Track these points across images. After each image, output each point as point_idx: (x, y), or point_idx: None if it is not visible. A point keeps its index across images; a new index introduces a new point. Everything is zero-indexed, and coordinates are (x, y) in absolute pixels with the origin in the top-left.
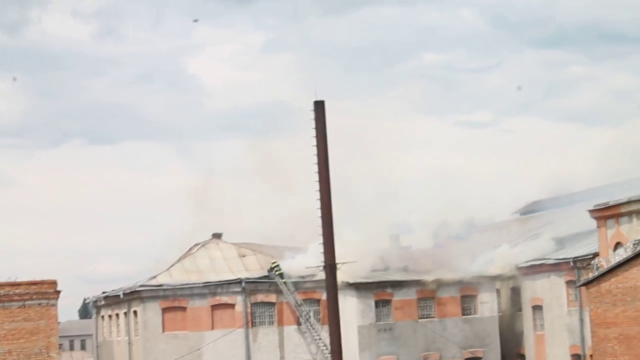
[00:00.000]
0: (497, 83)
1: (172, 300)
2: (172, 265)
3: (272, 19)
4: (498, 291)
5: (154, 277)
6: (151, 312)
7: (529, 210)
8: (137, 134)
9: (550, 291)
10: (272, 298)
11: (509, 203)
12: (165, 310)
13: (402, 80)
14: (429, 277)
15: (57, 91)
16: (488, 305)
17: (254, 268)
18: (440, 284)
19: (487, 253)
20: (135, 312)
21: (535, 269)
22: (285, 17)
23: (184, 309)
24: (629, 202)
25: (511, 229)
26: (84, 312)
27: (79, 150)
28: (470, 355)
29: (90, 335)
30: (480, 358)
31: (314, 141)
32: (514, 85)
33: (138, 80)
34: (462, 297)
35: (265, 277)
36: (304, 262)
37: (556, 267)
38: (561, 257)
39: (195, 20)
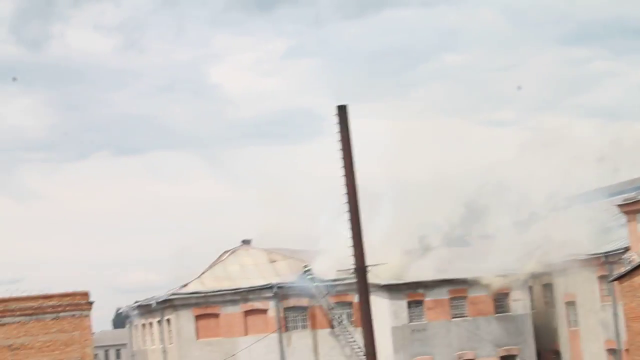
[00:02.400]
0: (520, 81)
1: (204, 307)
2: (203, 273)
3: (293, 26)
4: (530, 288)
5: (186, 285)
6: (184, 320)
7: None
8: (162, 144)
9: (583, 287)
10: (304, 302)
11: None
12: (198, 317)
13: (424, 82)
14: (460, 277)
15: (82, 105)
16: (521, 303)
17: (285, 273)
18: (472, 282)
19: (517, 250)
20: (168, 320)
21: (567, 265)
22: (306, 23)
23: (216, 315)
24: None
25: (542, 225)
26: (118, 322)
27: (105, 162)
28: (505, 353)
29: (125, 344)
30: (515, 356)
31: (338, 145)
32: (536, 84)
33: (161, 91)
34: (495, 295)
35: (296, 281)
36: (335, 265)
37: (588, 262)
38: (593, 252)
39: None
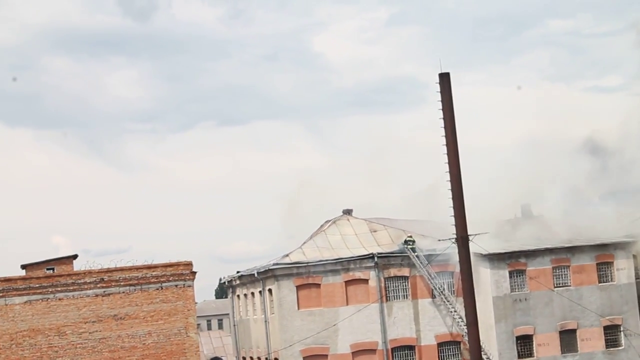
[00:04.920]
0: (626, 46)
1: (305, 277)
2: (304, 243)
3: None
4: (635, 257)
5: (287, 255)
6: (286, 290)
7: None
8: (265, 113)
9: None
10: (405, 272)
11: None
12: (299, 287)
13: (528, 49)
14: (563, 245)
15: (186, 75)
16: (625, 271)
17: (386, 243)
18: (575, 252)
19: (622, 218)
20: (270, 290)
21: None
22: None
23: (317, 285)
24: None
25: None
26: (220, 292)
27: (209, 132)
28: (608, 323)
29: (227, 314)
30: (619, 325)
31: (440, 114)
32: None
33: (264, 60)
34: (598, 264)
35: (397, 251)
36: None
37: None
38: None
39: None
